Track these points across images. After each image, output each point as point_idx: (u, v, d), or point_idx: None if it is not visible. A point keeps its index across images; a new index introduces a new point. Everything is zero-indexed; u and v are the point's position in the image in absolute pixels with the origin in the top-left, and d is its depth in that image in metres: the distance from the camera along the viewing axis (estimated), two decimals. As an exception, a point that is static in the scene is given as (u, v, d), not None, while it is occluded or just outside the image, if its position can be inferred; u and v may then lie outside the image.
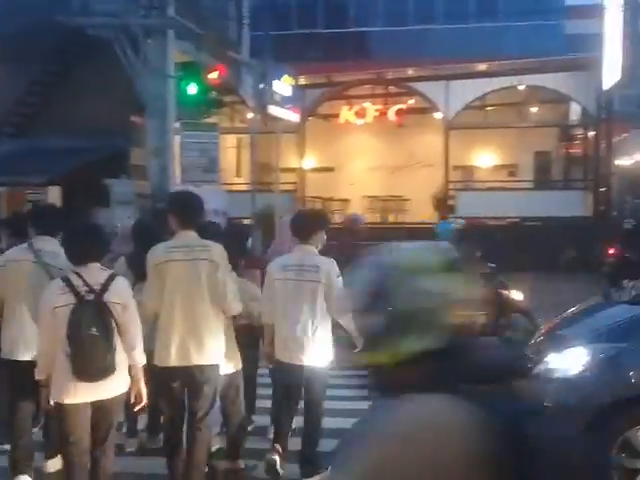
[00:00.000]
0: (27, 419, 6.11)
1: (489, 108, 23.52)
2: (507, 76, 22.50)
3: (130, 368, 5.26)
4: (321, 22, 31.66)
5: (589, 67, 21.86)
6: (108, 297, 5.10)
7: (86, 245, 5.22)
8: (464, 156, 24.92)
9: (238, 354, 6.20)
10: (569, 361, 6.05)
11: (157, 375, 5.71)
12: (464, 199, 22.95)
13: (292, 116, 20.72)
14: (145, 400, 5.35)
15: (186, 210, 5.81)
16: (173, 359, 5.67)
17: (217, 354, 5.77)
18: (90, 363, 5.01)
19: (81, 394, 5.09)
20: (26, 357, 5.85)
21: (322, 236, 6.37)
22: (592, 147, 23.00)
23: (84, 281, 5.07)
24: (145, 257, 5.84)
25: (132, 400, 5.32)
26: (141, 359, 5.32)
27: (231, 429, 6.34)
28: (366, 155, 27.73)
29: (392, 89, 24.41)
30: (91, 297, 5.04)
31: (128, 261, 6.75)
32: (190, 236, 5.75)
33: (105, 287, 5.11)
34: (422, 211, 24.82)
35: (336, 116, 24.52)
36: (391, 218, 25.86)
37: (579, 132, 26.45)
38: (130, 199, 16.56)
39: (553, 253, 20.67)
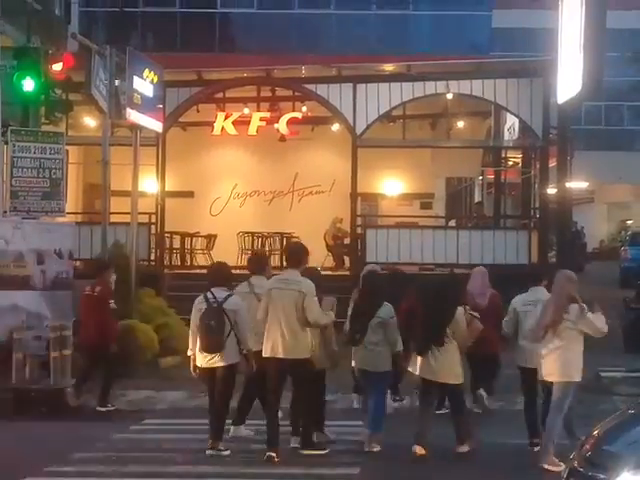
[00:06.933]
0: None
1: (408, 121, 23.46)
2: (430, 81, 22.46)
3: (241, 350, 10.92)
4: None
5: (536, 73, 22.16)
6: (226, 305, 10.82)
7: (215, 277, 11.34)
8: (367, 181, 24.72)
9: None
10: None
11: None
12: (373, 239, 22.62)
13: (154, 124, 19.92)
14: (253, 368, 10.94)
15: (292, 256, 11.26)
16: (268, 351, 10.65)
17: (300, 351, 10.60)
18: (207, 341, 10.72)
19: (204, 361, 10.84)
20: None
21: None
22: (538, 174, 23.27)
23: (214, 296, 10.89)
24: None
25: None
26: (246, 345, 10.86)
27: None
28: (240, 177, 27.21)
29: (281, 92, 23.99)
30: (215, 305, 10.82)
31: None
32: (291, 273, 10.91)
33: (225, 300, 10.85)
34: (316, 254, 24.38)
35: (208, 125, 23.88)
36: (274, 262, 25.24)
37: (516, 155, 26.90)
38: None
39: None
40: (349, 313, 11.55)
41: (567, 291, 10.42)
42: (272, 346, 10.63)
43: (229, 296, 10.96)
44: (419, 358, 10.99)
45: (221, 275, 11.41)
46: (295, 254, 11.18)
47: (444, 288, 11.66)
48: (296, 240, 19.73)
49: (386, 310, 11.22)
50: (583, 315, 10.36)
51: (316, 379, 11.09)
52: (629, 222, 50.45)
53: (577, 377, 10.52)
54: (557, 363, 10.37)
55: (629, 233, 38.86)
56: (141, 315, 17.18)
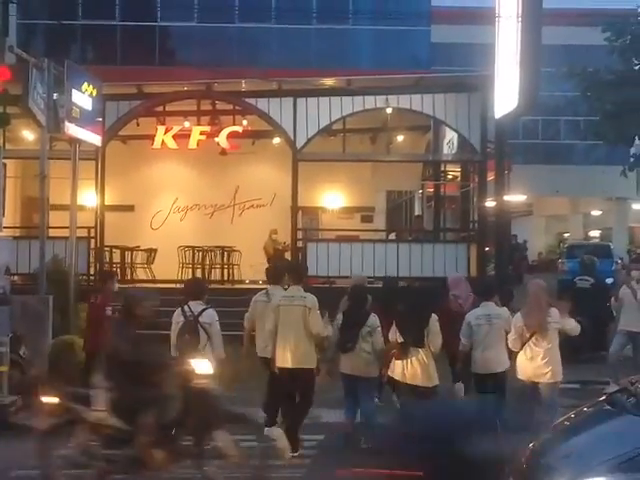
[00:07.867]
0: None
1: (348, 135, 23.50)
2: (370, 95, 22.53)
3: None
4: (120, 11, 30.85)
5: (475, 88, 22.34)
6: (201, 319, 11.56)
7: (191, 291, 12.07)
8: (308, 195, 24.73)
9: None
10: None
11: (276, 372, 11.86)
12: (314, 252, 22.61)
13: (93, 138, 19.79)
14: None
15: (293, 273, 12.49)
16: (280, 362, 11.69)
17: (308, 361, 11.68)
18: (185, 351, 10.80)
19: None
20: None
21: None
22: (477, 187, 23.42)
23: (190, 310, 11.62)
24: None
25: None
26: (219, 354, 11.45)
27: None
28: (181, 191, 27.11)
29: (221, 105, 23.93)
30: (191, 318, 11.56)
31: None
32: (294, 289, 11.98)
33: (200, 314, 11.58)
34: (258, 267, 24.31)
35: (148, 138, 23.74)
36: (214, 276, 25.22)
37: (455, 168, 27.10)
38: None
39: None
40: (338, 323, 12.15)
41: (544, 297, 11.45)
42: (283, 357, 11.66)
43: (204, 310, 11.69)
44: (397, 363, 11.69)
45: (197, 289, 12.26)
46: (296, 271, 12.56)
47: (421, 295, 13.43)
48: (295, 259, 21.41)
49: (373, 320, 12.00)
50: (564, 315, 11.43)
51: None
52: (566, 235, 51.05)
53: (561, 375, 11.52)
54: (548, 364, 11.26)
55: (566, 245, 39.33)
56: (80, 330, 17.00)
